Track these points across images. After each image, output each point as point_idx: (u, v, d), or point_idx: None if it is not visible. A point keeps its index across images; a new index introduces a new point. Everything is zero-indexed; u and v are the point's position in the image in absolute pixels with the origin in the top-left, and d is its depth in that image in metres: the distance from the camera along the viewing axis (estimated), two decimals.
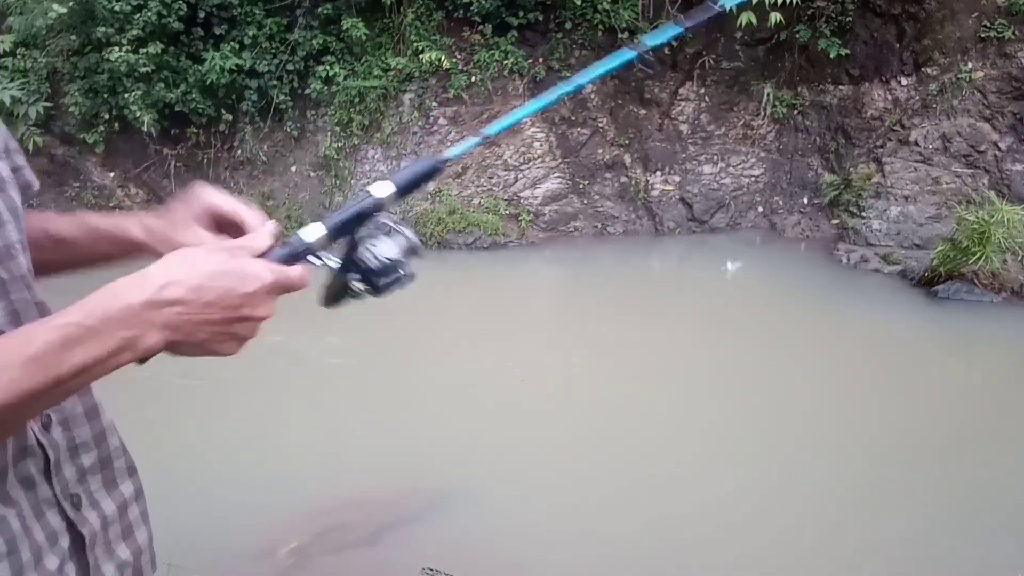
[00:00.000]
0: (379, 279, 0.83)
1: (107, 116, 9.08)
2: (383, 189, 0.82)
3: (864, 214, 8.32)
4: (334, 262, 0.83)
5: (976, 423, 4.84)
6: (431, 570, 3.02)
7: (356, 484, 3.97)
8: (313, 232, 0.80)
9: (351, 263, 0.83)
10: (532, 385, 5.33)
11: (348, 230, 0.81)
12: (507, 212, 8.92)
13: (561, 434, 4.55)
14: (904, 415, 4.79)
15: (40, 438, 0.83)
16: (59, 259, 0.99)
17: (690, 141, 9.32)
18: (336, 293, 0.86)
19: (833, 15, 8.54)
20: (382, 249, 0.82)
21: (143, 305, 0.70)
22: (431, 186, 8.96)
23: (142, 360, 0.74)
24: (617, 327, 6.48)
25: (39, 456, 0.83)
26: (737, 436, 4.52)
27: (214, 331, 0.74)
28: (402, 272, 0.84)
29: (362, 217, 0.81)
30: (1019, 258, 6.79)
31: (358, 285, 0.84)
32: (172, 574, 2.78)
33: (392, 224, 0.83)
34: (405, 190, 0.84)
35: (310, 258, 0.81)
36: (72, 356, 0.67)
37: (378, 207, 0.81)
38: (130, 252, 0.98)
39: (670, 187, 9.23)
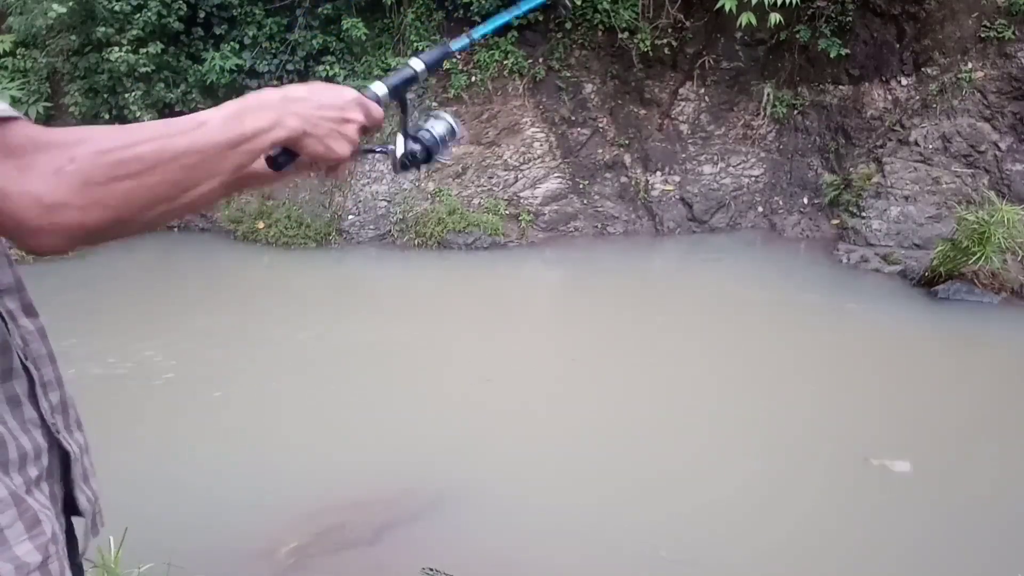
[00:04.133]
0: (434, 150, 1.14)
1: (107, 116, 9.07)
2: (417, 64, 1.09)
3: (864, 214, 8.32)
4: (409, 141, 1.14)
5: (976, 423, 4.84)
6: (431, 570, 3.02)
7: (356, 484, 3.96)
8: (379, 87, 1.05)
9: (414, 139, 1.14)
10: (532, 385, 5.34)
11: (399, 93, 1.07)
12: (507, 212, 8.92)
13: (561, 434, 4.56)
14: (904, 415, 4.79)
15: (25, 362, 0.90)
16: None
17: (690, 141, 9.32)
18: (403, 162, 1.14)
19: (833, 15, 8.54)
20: (436, 129, 1.14)
21: (280, 98, 0.90)
22: (431, 186, 8.97)
23: (283, 153, 0.94)
24: (617, 327, 6.48)
25: (23, 379, 0.90)
26: (737, 436, 4.52)
27: (330, 127, 0.93)
28: (446, 146, 1.15)
29: (409, 82, 1.08)
30: (1019, 258, 6.79)
31: (420, 154, 1.14)
32: (172, 573, 2.78)
33: (440, 112, 1.16)
34: (431, 67, 1.10)
35: (398, 140, 1.13)
36: (247, 121, 0.85)
37: (415, 77, 1.08)
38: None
39: (670, 187, 9.23)
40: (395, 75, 1.07)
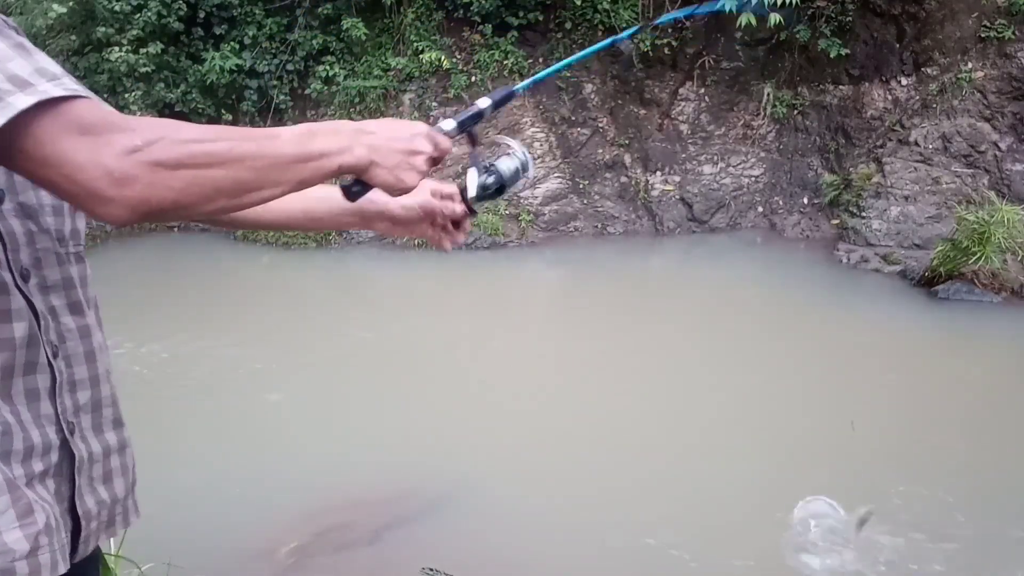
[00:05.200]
0: (509, 183, 1.18)
1: None
2: (484, 102, 1.14)
3: (864, 214, 8.32)
4: (482, 174, 1.17)
5: (976, 423, 4.84)
6: (431, 570, 3.02)
7: (356, 484, 3.96)
8: (447, 123, 1.09)
9: (487, 171, 1.17)
10: (532, 384, 5.33)
11: (465, 127, 1.11)
12: (507, 212, 8.92)
13: (561, 433, 4.55)
14: (904, 414, 4.79)
15: (51, 360, 0.94)
16: (308, 227, 1.48)
17: (690, 141, 9.32)
18: (479, 194, 1.17)
19: (833, 15, 8.54)
20: (509, 165, 1.19)
21: (354, 129, 0.96)
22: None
23: (353, 178, 1.00)
24: (617, 327, 6.48)
25: (47, 375, 0.94)
26: (737, 435, 4.52)
27: (399, 159, 0.98)
28: (518, 179, 1.20)
29: (475, 118, 1.12)
30: (1019, 258, 6.79)
31: (493, 186, 1.17)
32: (172, 573, 2.78)
33: (514, 147, 1.21)
34: (495, 105, 1.16)
35: (471, 173, 1.17)
36: (316, 142, 0.90)
37: (481, 114, 1.13)
38: (368, 220, 1.29)
39: (670, 187, 9.23)
40: (463, 112, 1.12)
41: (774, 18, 7.97)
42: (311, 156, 0.89)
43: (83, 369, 0.99)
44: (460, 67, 9.03)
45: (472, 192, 1.17)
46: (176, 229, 9.32)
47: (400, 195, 1.01)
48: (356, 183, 1.00)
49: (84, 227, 1.03)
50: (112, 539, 2.64)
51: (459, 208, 1.24)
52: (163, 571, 2.80)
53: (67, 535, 0.96)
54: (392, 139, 0.97)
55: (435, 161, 1.03)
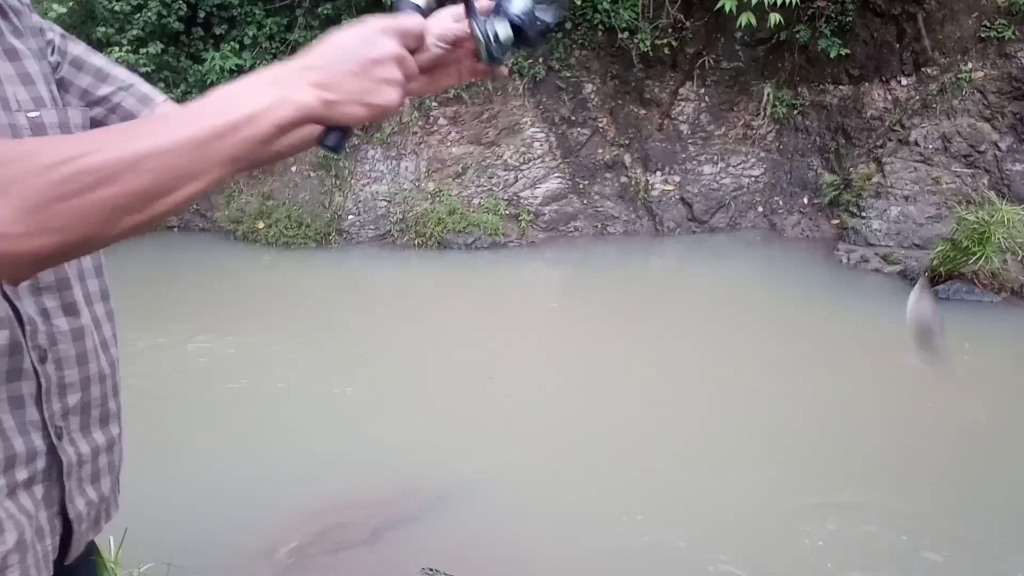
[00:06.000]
0: (529, 24, 0.88)
1: None
2: None
3: (864, 214, 8.32)
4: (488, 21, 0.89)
5: (976, 423, 4.84)
6: (431, 570, 3.02)
7: (356, 484, 3.97)
8: None
9: (497, 15, 0.88)
10: (533, 384, 5.34)
11: None
12: (507, 212, 8.92)
13: (561, 433, 4.56)
14: (904, 415, 4.79)
15: (36, 366, 0.90)
16: None
17: (690, 141, 9.32)
18: (489, 52, 0.89)
19: (833, 15, 8.54)
20: (519, 4, 0.88)
21: (284, 73, 0.75)
22: (431, 186, 8.97)
23: (328, 132, 0.78)
24: (617, 327, 6.48)
25: (32, 381, 0.89)
26: (737, 435, 4.52)
27: (360, 82, 0.77)
28: (543, 20, 0.89)
29: None
30: (1019, 258, 6.79)
31: (506, 38, 0.88)
32: (172, 573, 2.78)
33: None
34: None
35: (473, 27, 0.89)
36: (229, 108, 0.70)
37: None
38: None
39: (670, 187, 9.23)
40: None
41: (773, 18, 7.97)
42: (227, 127, 0.69)
43: (74, 372, 0.95)
44: None
45: (482, 49, 0.89)
46: (176, 229, 9.32)
47: (386, 117, 0.81)
48: (327, 132, 0.78)
49: None
50: (112, 539, 2.64)
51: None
52: (163, 571, 2.80)
53: (57, 539, 0.95)
54: (340, 60, 0.76)
55: (413, 52, 0.82)
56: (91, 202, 0.64)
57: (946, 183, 8.22)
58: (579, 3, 8.76)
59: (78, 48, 1.05)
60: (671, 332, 6.31)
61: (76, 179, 0.63)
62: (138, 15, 8.65)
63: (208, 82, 8.91)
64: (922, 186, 8.28)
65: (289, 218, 8.87)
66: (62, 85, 1.01)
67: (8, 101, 0.88)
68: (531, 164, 9.19)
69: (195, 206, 8.89)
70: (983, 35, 8.18)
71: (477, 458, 4.21)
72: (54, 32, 1.02)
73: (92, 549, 1.10)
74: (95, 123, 1.02)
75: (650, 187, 9.24)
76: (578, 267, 8.35)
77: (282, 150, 0.75)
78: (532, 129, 9.20)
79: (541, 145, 9.21)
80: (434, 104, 9.06)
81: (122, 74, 1.08)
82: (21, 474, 0.89)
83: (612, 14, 8.83)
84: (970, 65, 8.24)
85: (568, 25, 9.02)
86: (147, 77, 9.09)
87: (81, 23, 8.83)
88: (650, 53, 8.93)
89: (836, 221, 8.67)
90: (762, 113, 9.15)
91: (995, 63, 8.18)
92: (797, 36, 8.61)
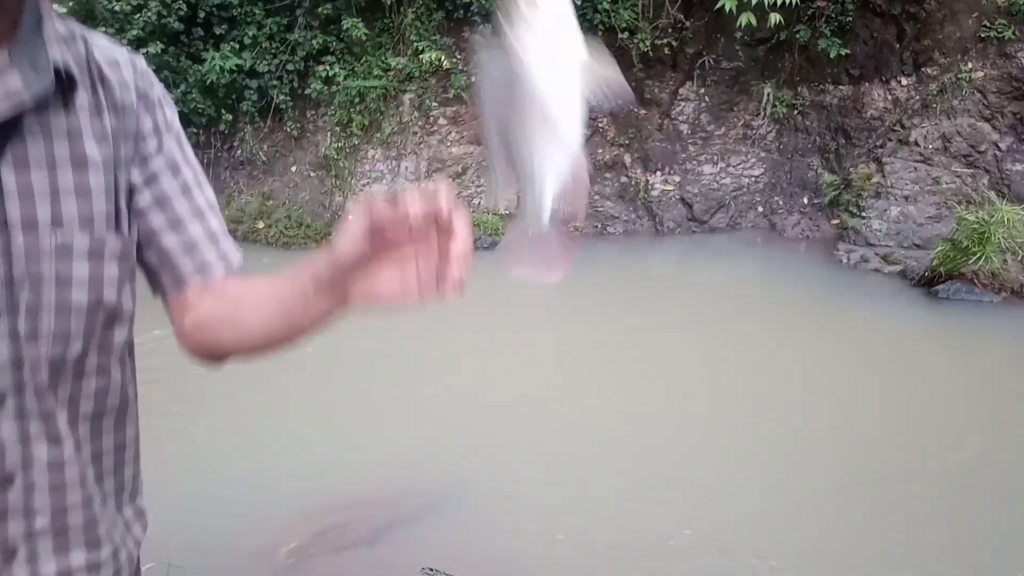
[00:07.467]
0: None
1: None
2: None
3: (864, 214, 8.32)
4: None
5: (976, 423, 4.84)
6: (431, 570, 3.02)
7: (356, 484, 3.96)
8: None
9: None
10: (533, 384, 5.33)
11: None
12: (507, 212, 8.92)
13: (562, 433, 4.55)
14: (904, 415, 4.79)
15: None
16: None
17: (690, 141, 9.32)
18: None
19: (833, 15, 8.54)
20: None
21: None
22: (431, 187, 8.96)
23: None
24: (617, 327, 6.48)
25: None
26: (737, 436, 4.52)
27: None
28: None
29: None
30: (1019, 258, 6.79)
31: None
32: (172, 574, 2.78)
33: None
34: None
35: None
36: None
37: None
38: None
39: (670, 187, 9.23)
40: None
41: (773, 18, 7.97)
42: None
43: (45, 498, 0.85)
44: (460, 67, 9.03)
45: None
46: None
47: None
48: None
49: (120, 338, 0.94)
50: None
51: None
52: (163, 571, 2.80)
53: None
54: None
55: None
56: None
57: (946, 183, 8.22)
58: (579, 3, 8.76)
59: (174, 166, 0.97)
60: (671, 332, 6.30)
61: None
62: (138, 15, 8.64)
63: (208, 82, 8.91)
64: (922, 186, 8.28)
65: (289, 218, 8.87)
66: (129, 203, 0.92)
67: (36, 221, 0.80)
68: None
69: None
70: (983, 35, 8.18)
71: (477, 458, 4.21)
72: (161, 109, 0.95)
73: None
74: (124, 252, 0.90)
75: (650, 187, 9.24)
76: (578, 267, 8.23)
77: None
78: None
79: None
80: (434, 104, 9.07)
81: (197, 233, 1.00)
82: None
83: (612, 14, 8.83)
84: (970, 65, 8.24)
85: None
86: None
87: (81, 23, 8.81)
88: (650, 53, 8.93)
89: (836, 221, 8.67)
90: (762, 113, 9.16)
91: (995, 63, 8.18)
92: (797, 36, 8.61)
